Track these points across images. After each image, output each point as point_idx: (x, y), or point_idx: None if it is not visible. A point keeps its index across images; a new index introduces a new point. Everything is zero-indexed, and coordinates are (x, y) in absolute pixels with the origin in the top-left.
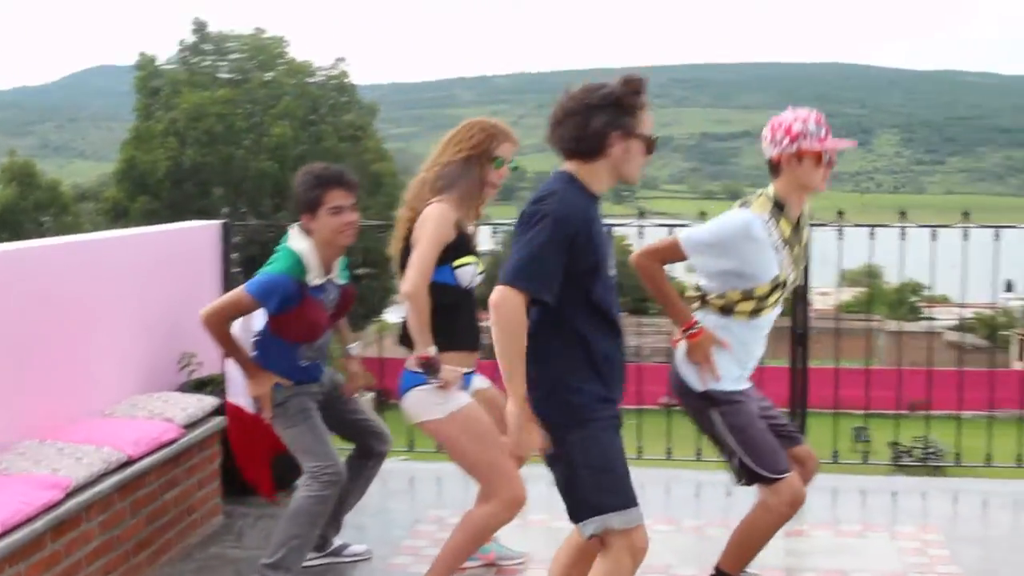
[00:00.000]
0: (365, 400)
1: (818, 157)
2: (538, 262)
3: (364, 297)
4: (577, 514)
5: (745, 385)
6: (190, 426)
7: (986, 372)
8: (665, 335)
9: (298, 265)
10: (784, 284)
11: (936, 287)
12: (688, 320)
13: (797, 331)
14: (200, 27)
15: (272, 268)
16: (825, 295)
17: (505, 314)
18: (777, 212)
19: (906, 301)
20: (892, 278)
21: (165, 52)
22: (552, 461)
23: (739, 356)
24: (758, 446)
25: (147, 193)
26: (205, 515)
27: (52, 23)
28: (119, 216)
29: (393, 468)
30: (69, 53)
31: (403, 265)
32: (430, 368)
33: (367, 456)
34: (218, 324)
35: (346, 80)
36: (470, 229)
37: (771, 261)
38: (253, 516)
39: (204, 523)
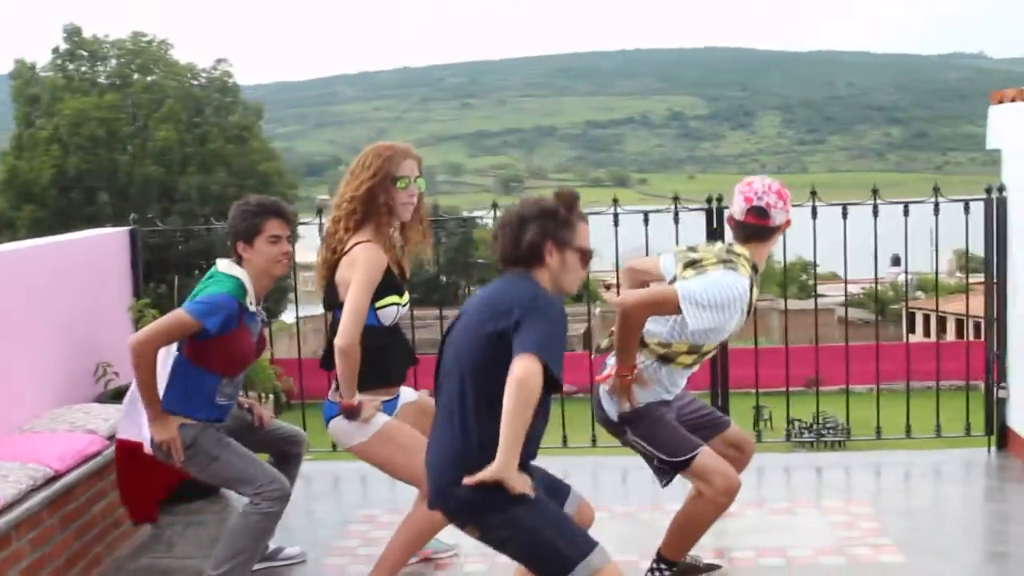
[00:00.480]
0: (264, 408)
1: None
2: (556, 341)
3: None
4: (561, 570)
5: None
6: (113, 437)
7: (902, 345)
8: (582, 322)
9: (240, 288)
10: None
11: (829, 264)
12: (631, 367)
13: None
14: (72, 33)
15: (213, 289)
16: None
17: (530, 386)
18: (755, 276)
19: (797, 279)
20: (778, 257)
21: (41, 59)
22: (503, 543)
23: (662, 392)
24: (664, 439)
25: (32, 202)
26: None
27: None
28: (5, 227)
29: (317, 469)
30: None
31: (327, 302)
32: (354, 415)
33: (284, 461)
34: (151, 351)
35: (230, 80)
36: (394, 266)
37: (736, 322)
38: (182, 524)
39: (133, 534)
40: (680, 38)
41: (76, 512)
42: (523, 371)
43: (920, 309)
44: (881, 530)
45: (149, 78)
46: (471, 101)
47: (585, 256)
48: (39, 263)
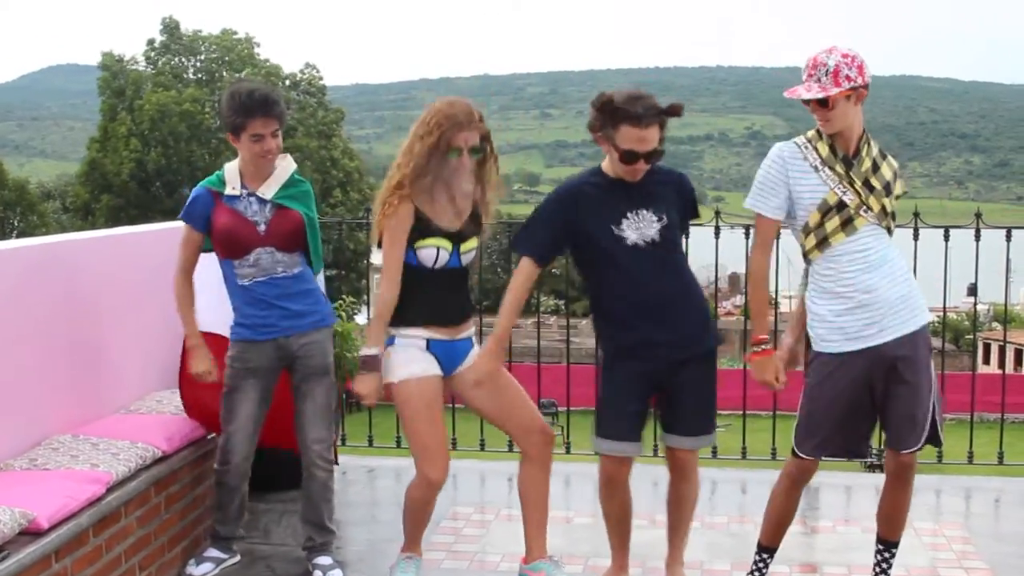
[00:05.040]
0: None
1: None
2: (531, 224)
3: (331, 298)
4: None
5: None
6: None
7: (968, 376)
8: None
9: (217, 180)
10: (840, 207)
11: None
12: (761, 337)
13: None
14: (170, 26)
15: None
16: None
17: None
18: (816, 137)
19: None
20: None
21: (128, 51)
22: None
23: (840, 293)
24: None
25: (112, 193)
26: None
27: (9, 22)
28: (85, 215)
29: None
30: (27, 52)
31: None
32: (364, 366)
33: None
34: (178, 278)
35: (319, 81)
36: (441, 212)
37: (811, 182)
38: (277, 512)
39: None
40: (761, 57)
41: (180, 493)
42: None
43: (996, 340)
44: (975, 553)
45: (238, 75)
46: (551, 111)
47: (622, 154)
48: (150, 248)
